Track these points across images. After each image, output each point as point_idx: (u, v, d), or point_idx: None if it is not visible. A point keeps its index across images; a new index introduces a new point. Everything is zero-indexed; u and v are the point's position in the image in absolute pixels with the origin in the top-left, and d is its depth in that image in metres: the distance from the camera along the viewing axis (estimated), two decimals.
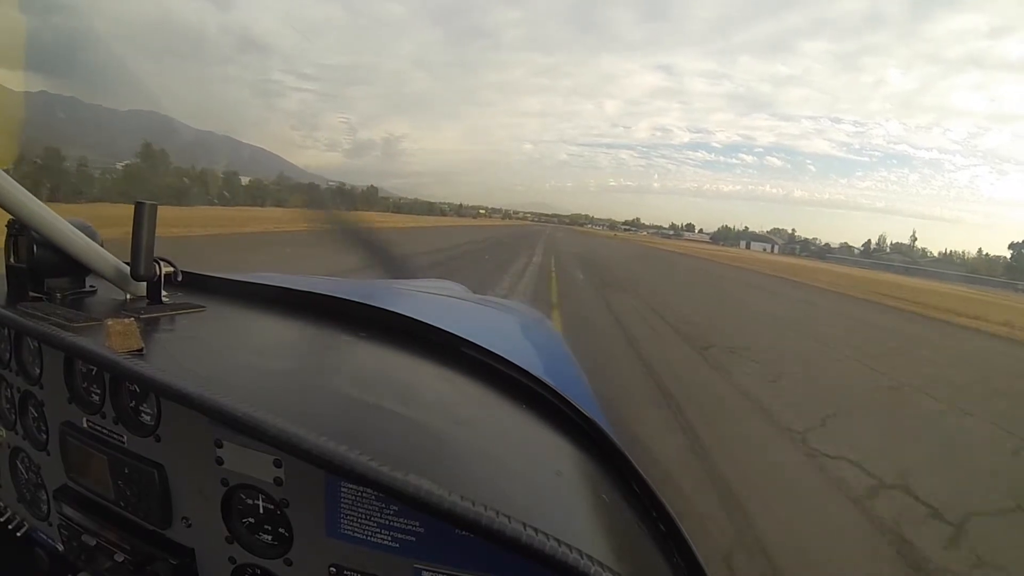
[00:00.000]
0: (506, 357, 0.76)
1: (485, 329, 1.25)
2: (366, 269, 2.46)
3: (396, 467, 0.44)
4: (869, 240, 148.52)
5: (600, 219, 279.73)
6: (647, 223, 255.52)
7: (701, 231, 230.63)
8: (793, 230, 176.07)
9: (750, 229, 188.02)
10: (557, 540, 0.41)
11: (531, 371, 0.73)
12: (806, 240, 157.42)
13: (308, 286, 1.02)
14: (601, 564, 0.41)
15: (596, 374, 4.50)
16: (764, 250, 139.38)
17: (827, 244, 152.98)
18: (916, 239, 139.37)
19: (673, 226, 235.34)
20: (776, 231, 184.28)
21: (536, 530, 0.41)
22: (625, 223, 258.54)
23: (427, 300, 1.48)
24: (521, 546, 0.41)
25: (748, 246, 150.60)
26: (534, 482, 0.55)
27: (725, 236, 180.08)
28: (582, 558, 0.41)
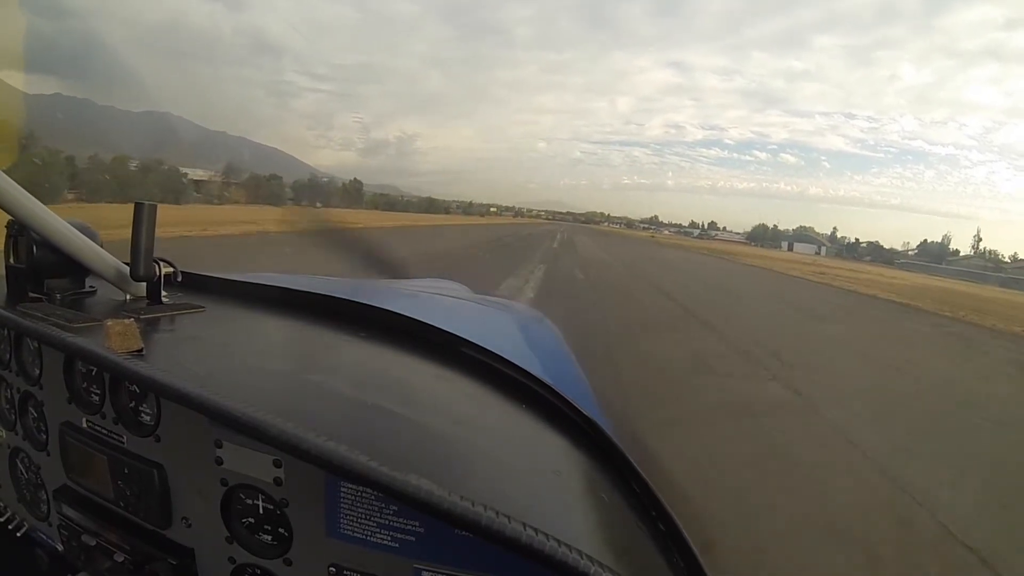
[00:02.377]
0: (506, 357, 0.75)
1: (485, 329, 1.26)
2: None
3: (396, 467, 0.44)
4: (924, 240, 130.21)
5: (616, 217, 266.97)
6: (665, 221, 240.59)
7: (725, 228, 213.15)
8: (835, 229, 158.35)
9: (778, 227, 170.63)
10: (557, 540, 0.41)
11: (531, 371, 0.73)
12: (855, 241, 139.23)
13: (308, 286, 1.02)
14: (601, 564, 0.41)
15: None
16: (816, 252, 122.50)
17: (876, 244, 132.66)
18: (980, 239, 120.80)
19: (694, 224, 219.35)
20: (803, 228, 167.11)
21: (536, 530, 0.41)
22: (643, 221, 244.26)
23: (427, 300, 1.50)
24: (521, 546, 0.41)
25: (791, 248, 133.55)
26: (534, 482, 0.54)
27: (761, 236, 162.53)
28: (582, 558, 0.41)
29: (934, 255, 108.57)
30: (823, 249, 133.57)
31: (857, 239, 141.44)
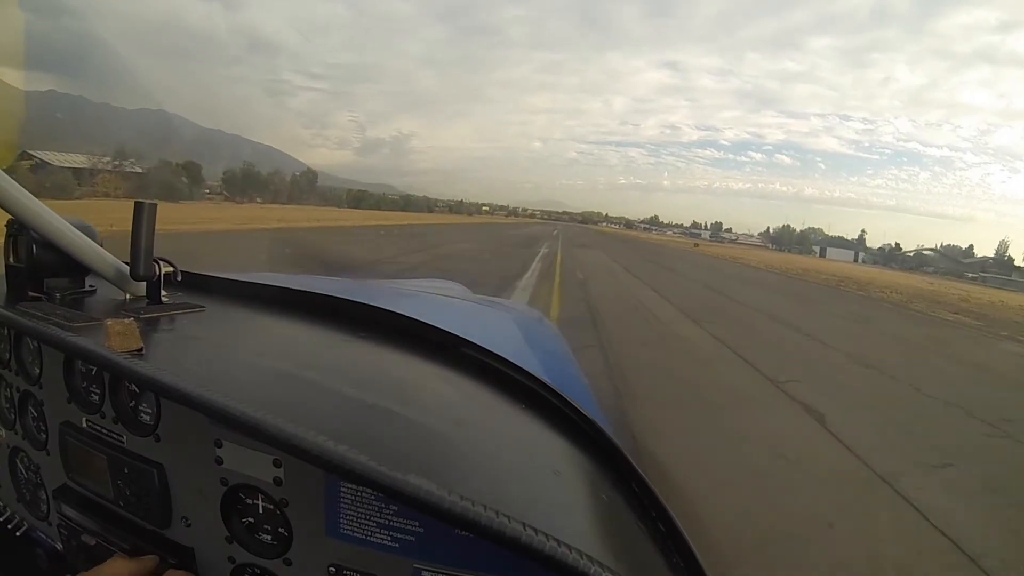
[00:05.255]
0: (506, 357, 0.75)
1: (485, 329, 1.26)
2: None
3: (395, 467, 0.44)
4: (971, 246, 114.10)
5: (614, 217, 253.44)
6: (665, 221, 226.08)
7: (731, 230, 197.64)
8: (863, 231, 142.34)
9: (793, 228, 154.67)
10: (557, 540, 0.41)
11: (531, 371, 0.73)
12: (895, 247, 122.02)
13: (308, 286, 1.02)
14: (601, 564, 0.41)
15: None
16: (863, 261, 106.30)
17: (938, 251, 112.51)
18: None
19: (696, 224, 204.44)
20: (812, 230, 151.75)
21: (536, 530, 0.41)
22: (643, 221, 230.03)
23: (427, 300, 1.49)
24: (521, 546, 0.41)
25: (823, 253, 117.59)
26: (534, 482, 0.55)
27: (787, 240, 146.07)
28: (581, 558, 0.41)
29: (1003, 265, 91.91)
30: (860, 256, 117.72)
31: (897, 244, 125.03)
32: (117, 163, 54.24)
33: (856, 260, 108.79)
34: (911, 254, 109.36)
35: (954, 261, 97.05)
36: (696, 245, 79.38)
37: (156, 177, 52.20)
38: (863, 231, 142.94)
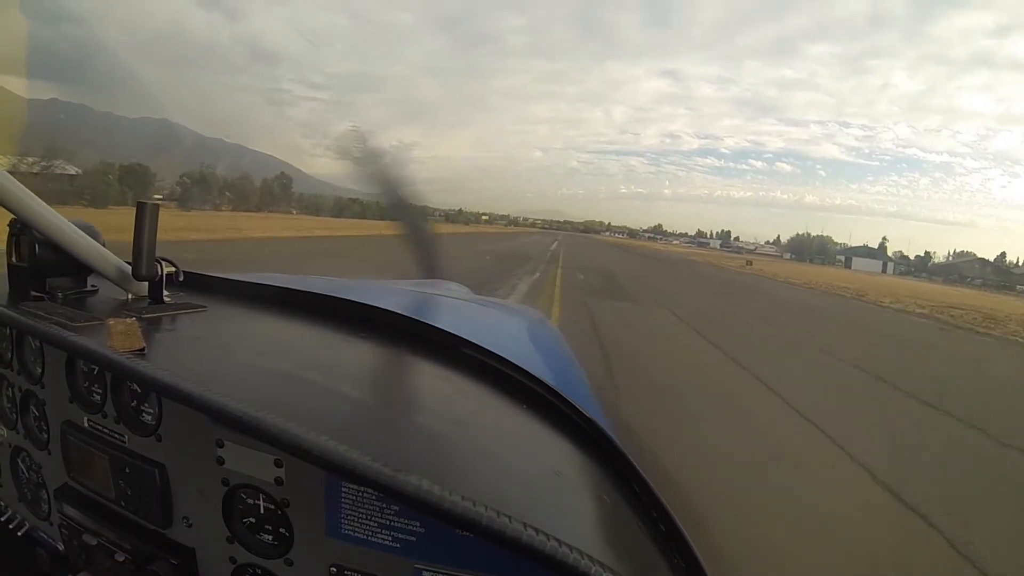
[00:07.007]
0: (506, 357, 0.75)
1: (486, 329, 1.26)
2: None
3: (396, 467, 0.44)
4: (1003, 253, 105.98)
5: (617, 226, 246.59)
6: (668, 230, 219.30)
7: (739, 239, 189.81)
8: (885, 239, 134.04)
9: (811, 236, 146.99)
10: (557, 540, 0.41)
11: (532, 371, 0.73)
12: (925, 255, 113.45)
13: (309, 286, 1.03)
14: (601, 564, 0.41)
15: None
16: (900, 272, 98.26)
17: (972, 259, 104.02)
18: None
19: (701, 233, 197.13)
20: (823, 238, 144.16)
21: (536, 530, 0.41)
22: (647, 230, 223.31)
23: (428, 300, 1.49)
24: (521, 546, 0.41)
25: (849, 263, 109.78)
26: (534, 482, 0.54)
27: (807, 249, 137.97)
28: (582, 558, 0.41)
29: None
30: (889, 266, 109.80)
31: (927, 252, 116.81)
32: (46, 164, 45.69)
33: (885, 270, 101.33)
34: (942, 263, 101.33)
35: (1004, 271, 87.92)
36: (749, 263, 55.40)
37: (92, 179, 44.22)
38: (884, 239, 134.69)
